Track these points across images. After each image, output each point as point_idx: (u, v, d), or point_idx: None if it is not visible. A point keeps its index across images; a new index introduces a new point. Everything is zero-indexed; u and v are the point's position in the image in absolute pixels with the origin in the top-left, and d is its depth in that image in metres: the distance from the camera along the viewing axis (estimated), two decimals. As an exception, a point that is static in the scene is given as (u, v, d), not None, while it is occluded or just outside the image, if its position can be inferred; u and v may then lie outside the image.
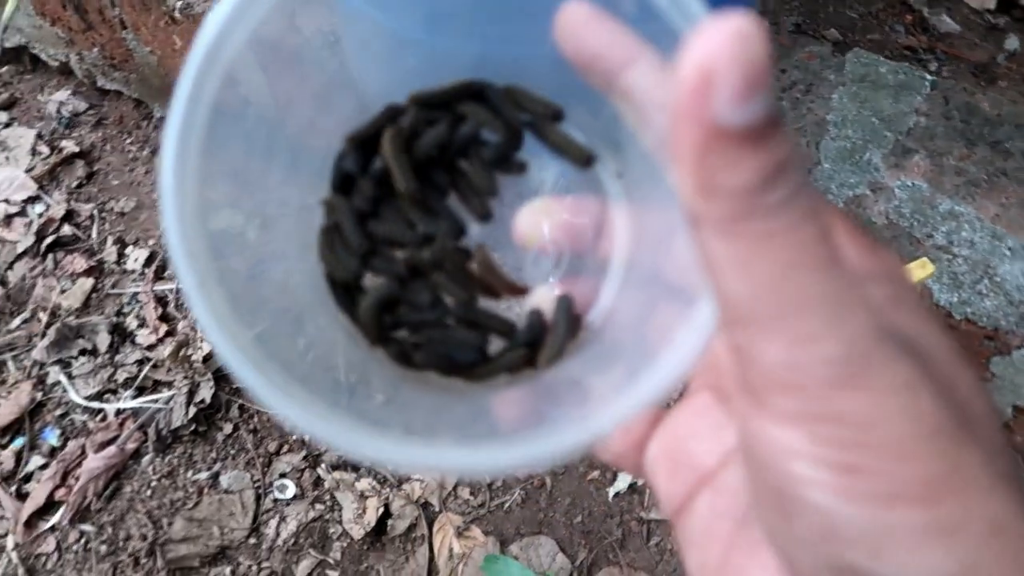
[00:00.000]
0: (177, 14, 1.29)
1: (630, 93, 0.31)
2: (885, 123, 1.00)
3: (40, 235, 1.42)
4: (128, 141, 1.56)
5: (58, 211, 1.45)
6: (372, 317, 0.38)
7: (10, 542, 1.09)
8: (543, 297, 0.41)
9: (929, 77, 1.08)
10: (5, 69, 1.70)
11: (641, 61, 0.31)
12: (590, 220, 0.41)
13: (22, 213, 1.46)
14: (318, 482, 1.13)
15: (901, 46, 1.45)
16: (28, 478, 1.15)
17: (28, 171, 1.51)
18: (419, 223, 0.39)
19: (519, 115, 0.40)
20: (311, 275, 0.39)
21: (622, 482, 1.13)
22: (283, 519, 1.11)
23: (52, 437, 1.18)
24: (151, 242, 1.40)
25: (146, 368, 1.23)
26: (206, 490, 1.13)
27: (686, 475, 0.33)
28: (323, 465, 1.15)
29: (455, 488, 1.13)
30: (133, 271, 1.36)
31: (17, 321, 1.31)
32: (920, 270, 0.84)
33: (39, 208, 1.47)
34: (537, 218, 0.41)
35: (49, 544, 1.10)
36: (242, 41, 0.29)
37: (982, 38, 1.48)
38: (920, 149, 0.97)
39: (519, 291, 0.41)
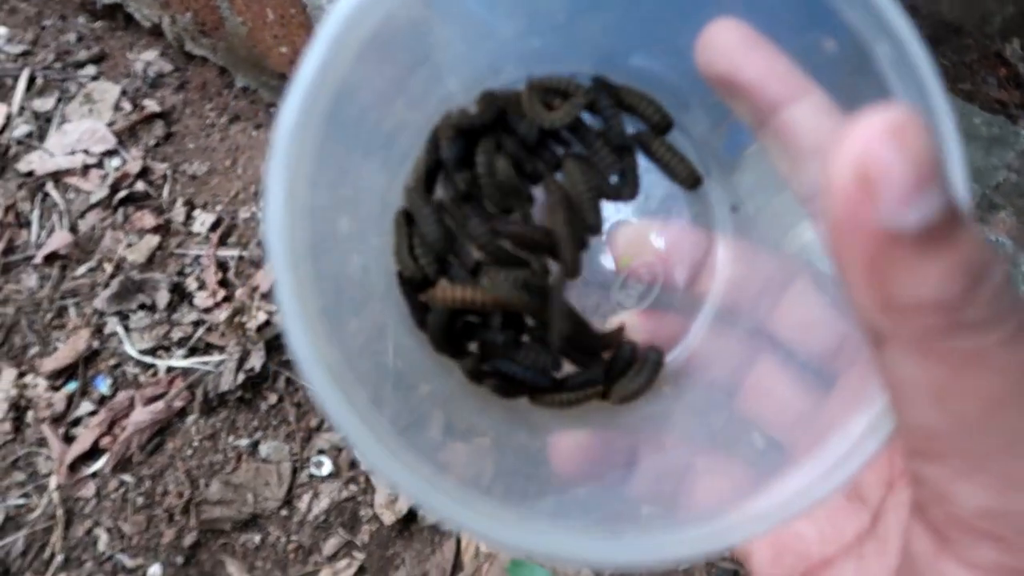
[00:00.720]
0: (272, -11, 1.31)
1: (787, 133, 0.28)
2: (974, 176, 0.97)
3: (114, 188, 1.46)
4: (208, 107, 1.59)
5: (134, 167, 1.49)
6: (440, 328, 0.37)
7: (52, 482, 1.12)
8: (626, 325, 0.39)
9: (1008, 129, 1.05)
10: (99, 24, 1.76)
11: (805, 99, 0.28)
12: (692, 253, 0.39)
13: (99, 165, 1.50)
14: (354, 463, 1.14)
15: (992, 99, 1.41)
16: (76, 423, 1.18)
17: (109, 125, 1.55)
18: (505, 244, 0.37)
19: (626, 131, 0.38)
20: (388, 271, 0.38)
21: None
22: (316, 495, 1.12)
23: (104, 385, 1.21)
24: (219, 207, 1.43)
25: (201, 330, 1.26)
26: (245, 457, 1.14)
27: (792, 561, 0.30)
28: (361, 447, 1.15)
29: (488, 487, 1.13)
30: (198, 234, 1.39)
31: (83, 269, 1.34)
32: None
33: (116, 162, 1.51)
34: (636, 240, 0.39)
35: (89, 489, 1.12)
36: (362, 39, 0.28)
37: (1078, 99, 1.44)
38: (1008, 205, 0.94)
39: (600, 340, 0.38)
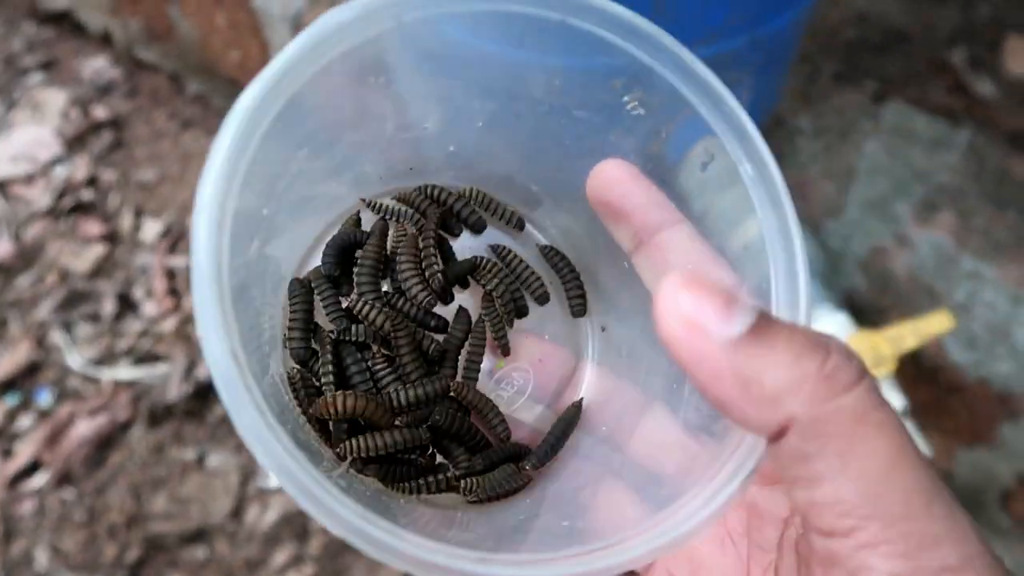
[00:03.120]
0: (221, -7, 1.30)
1: (660, 254, 0.34)
2: (916, 176, 0.98)
3: (60, 196, 1.42)
4: (159, 114, 1.57)
5: (80, 175, 1.45)
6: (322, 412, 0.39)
7: (-10, 498, 1.09)
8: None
9: (966, 135, 1.07)
10: (47, 31, 1.72)
11: (678, 226, 0.34)
12: (560, 368, 0.45)
13: (45, 173, 1.47)
14: (305, 474, 1.12)
15: (938, 105, 1.44)
16: (16, 437, 1.14)
17: (56, 133, 1.52)
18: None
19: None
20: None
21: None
22: (265, 507, 1.09)
23: (45, 398, 1.18)
24: (168, 215, 1.40)
25: (147, 340, 1.23)
26: (191, 469, 1.12)
27: None
28: (312, 457, 1.13)
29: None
30: (146, 242, 1.36)
31: (26, 279, 1.31)
32: (939, 323, 0.83)
33: (62, 170, 1.47)
34: (513, 348, 0.44)
35: (28, 506, 1.09)
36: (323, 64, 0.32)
37: (1021, 106, 1.47)
38: (949, 206, 0.96)
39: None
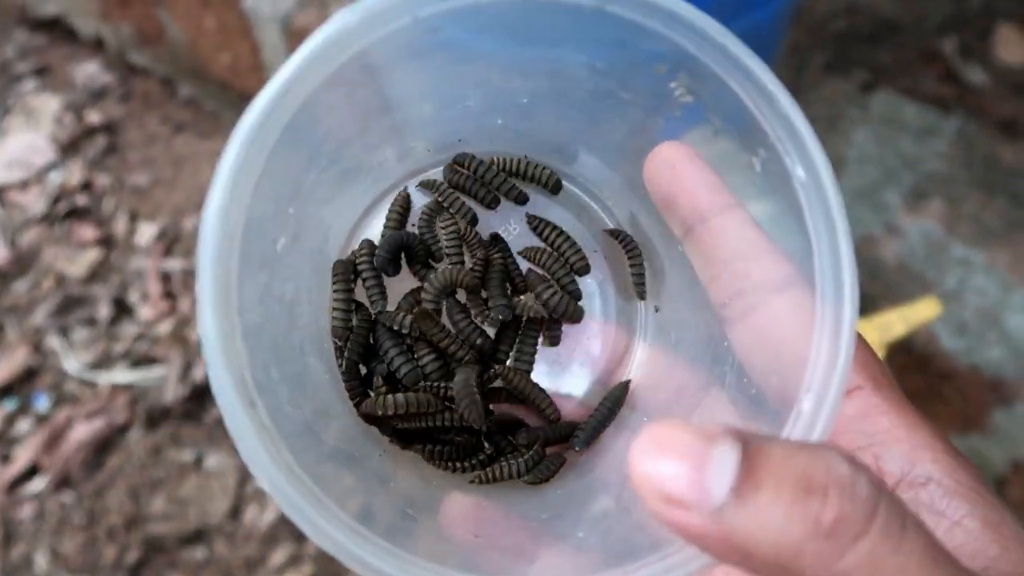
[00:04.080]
0: (211, -4, 1.30)
1: (711, 241, 0.33)
2: (905, 165, 0.99)
3: (55, 202, 1.43)
4: (151, 118, 1.57)
5: (75, 180, 1.46)
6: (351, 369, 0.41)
7: (-11, 503, 1.09)
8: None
9: (956, 123, 1.07)
10: (39, 37, 1.72)
11: (731, 212, 0.33)
12: (609, 348, 0.44)
13: (39, 179, 1.47)
14: (302, 473, 1.13)
15: (930, 94, 1.44)
16: (14, 442, 1.15)
17: (50, 138, 1.52)
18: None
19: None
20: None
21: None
22: (263, 508, 1.10)
23: (43, 403, 1.18)
24: (162, 219, 1.41)
25: (143, 343, 1.23)
26: (189, 470, 1.12)
27: None
28: (309, 457, 1.14)
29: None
30: (142, 246, 1.37)
31: (22, 284, 1.31)
32: (927, 310, 0.83)
33: (57, 175, 1.47)
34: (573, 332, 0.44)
35: (28, 510, 1.09)
36: (328, 73, 0.32)
37: (1012, 94, 1.47)
38: (938, 194, 0.96)
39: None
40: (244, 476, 1.12)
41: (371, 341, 0.43)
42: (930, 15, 1.60)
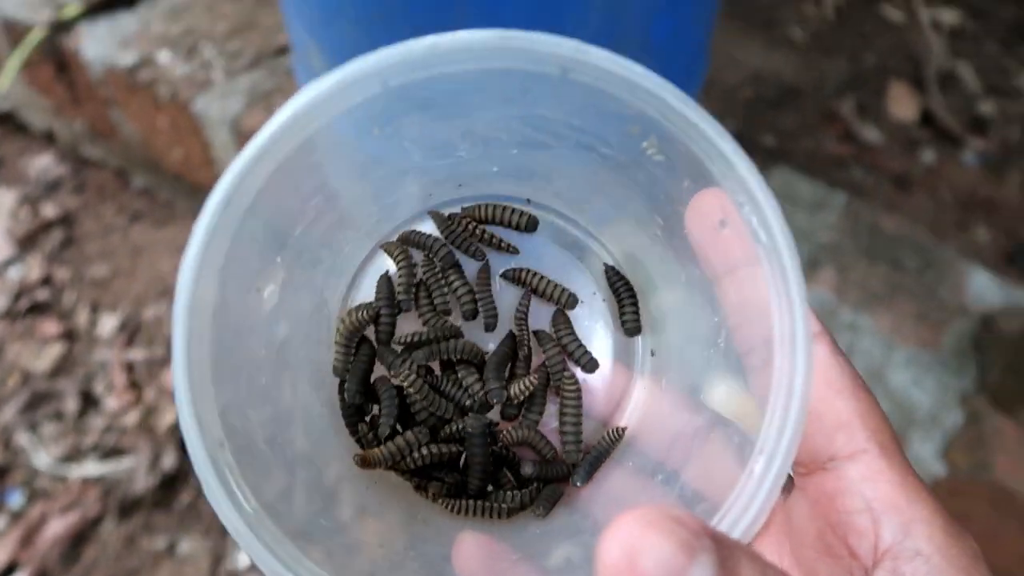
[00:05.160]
0: (161, 99, 1.38)
1: (738, 289, 0.34)
2: (800, 237, 1.11)
3: (16, 298, 1.48)
4: (107, 208, 1.63)
5: (34, 275, 1.51)
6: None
7: (-32, 603, 1.13)
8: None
9: (843, 196, 1.20)
10: (-10, 132, 1.77)
11: (758, 267, 0.33)
12: (608, 386, 0.46)
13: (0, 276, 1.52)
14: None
15: (831, 154, 1.58)
16: (-10, 540, 1.19)
17: (7, 234, 1.57)
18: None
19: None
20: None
21: None
22: (236, 587, 1.16)
23: (17, 499, 1.23)
24: (123, 309, 1.47)
25: (112, 434, 1.29)
26: (163, 558, 1.18)
27: None
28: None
29: None
30: (104, 337, 1.42)
31: (-12, 383, 1.36)
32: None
33: (16, 271, 1.53)
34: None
35: (7, 606, 1.14)
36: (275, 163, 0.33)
37: (903, 150, 1.63)
38: (829, 262, 1.08)
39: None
40: (216, 559, 1.18)
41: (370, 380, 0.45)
42: (828, 78, 1.76)
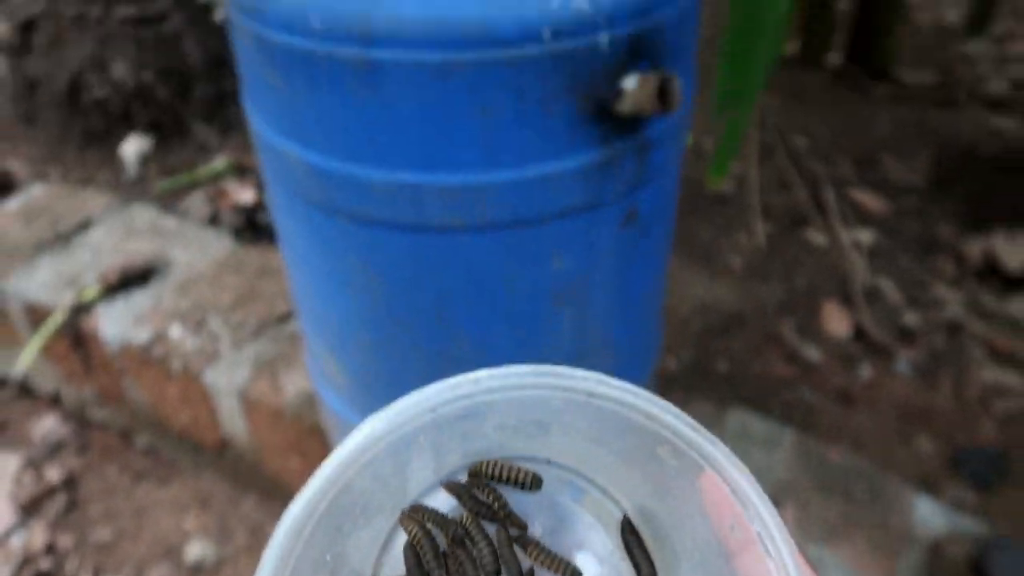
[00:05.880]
0: (173, 372, 1.52)
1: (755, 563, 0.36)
2: (759, 475, 1.24)
3: (19, 568, 1.51)
4: (110, 468, 1.71)
5: (38, 543, 1.56)
6: None
7: None
8: None
9: (793, 433, 1.35)
10: (-4, 396, 1.88)
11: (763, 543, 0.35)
12: None
13: (2, 544, 1.56)
14: None
15: (779, 377, 1.76)
16: None
17: (10, 499, 1.63)
18: None
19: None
20: None
21: None
22: None
23: None
24: (126, 573, 1.51)
25: None
26: None
27: None
28: None
29: None
30: (107, 605, 1.46)
31: (-11, 664, 1.37)
32: None
33: (18, 539, 1.57)
34: None
35: None
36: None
37: (842, 366, 1.81)
38: (789, 499, 1.21)
39: None
40: None
41: None
42: (767, 302, 1.98)
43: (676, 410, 0.37)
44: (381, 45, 0.66)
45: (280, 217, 0.95)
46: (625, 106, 0.72)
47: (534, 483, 0.47)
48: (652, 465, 0.40)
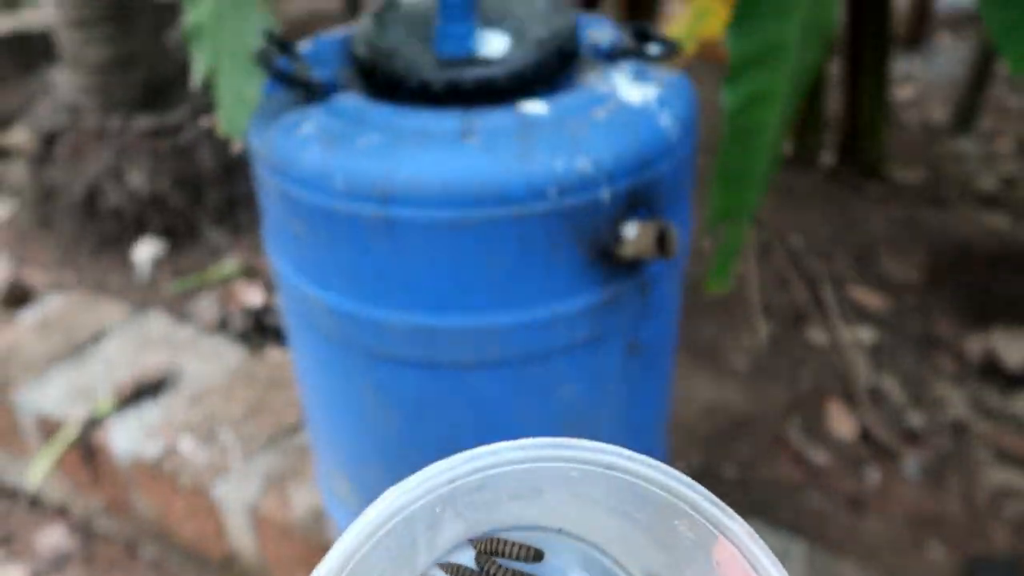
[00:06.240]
0: (182, 486, 1.52)
1: None
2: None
3: None
4: (114, 583, 1.70)
5: (39, 664, 1.53)
6: None
7: None
8: None
9: (804, 546, 1.34)
10: (1, 505, 1.87)
11: None
12: None
13: (2, 667, 1.54)
14: None
15: (788, 482, 1.76)
16: None
17: (13, 619, 1.61)
18: None
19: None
20: None
21: None
22: None
23: None
24: None
25: None
26: None
27: None
28: None
29: None
30: None
31: None
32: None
33: (20, 661, 1.54)
34: None
35: None
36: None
37: (850, 469, 1.81)
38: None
39: None
40: None
41: None
42: (773, 404, 1.99)
43: (695, 484, 0.38)
44: (399, 204, 0.71)
45: (298, 346, 0.98)
46: (626, 252, 0.76)
47: (536, 557, 0.46)
48: (669, 538, 0.40)
